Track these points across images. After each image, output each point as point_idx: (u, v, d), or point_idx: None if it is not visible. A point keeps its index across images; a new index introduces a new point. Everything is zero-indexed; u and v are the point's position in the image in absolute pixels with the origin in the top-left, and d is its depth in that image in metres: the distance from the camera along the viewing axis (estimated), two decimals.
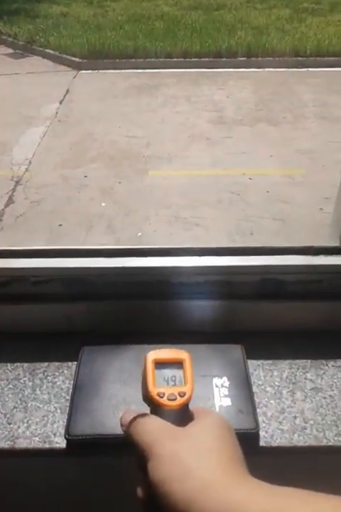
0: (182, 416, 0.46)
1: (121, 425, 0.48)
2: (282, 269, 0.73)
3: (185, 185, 3.90)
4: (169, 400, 0.47)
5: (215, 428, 0.44)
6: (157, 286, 0.74)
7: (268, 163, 4.21)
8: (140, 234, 3.35)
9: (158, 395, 0.47)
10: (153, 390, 0.48)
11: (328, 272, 0.73)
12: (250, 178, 3.96)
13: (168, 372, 0.50)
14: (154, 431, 0.43)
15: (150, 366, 0.50)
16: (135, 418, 0.46)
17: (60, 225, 3.44)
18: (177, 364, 0.51)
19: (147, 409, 0.50)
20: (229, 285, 0.74)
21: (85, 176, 4.04)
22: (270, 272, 0.73)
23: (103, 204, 3.68)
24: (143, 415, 0.46)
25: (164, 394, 0.47)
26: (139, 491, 0.43)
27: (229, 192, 3.78)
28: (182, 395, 0.47)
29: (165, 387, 0.48)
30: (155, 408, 0.47)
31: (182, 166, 4.22)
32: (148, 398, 0.49)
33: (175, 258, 0.73)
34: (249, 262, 0.73)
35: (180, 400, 0.47)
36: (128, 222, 3.46)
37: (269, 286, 0.74)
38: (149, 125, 4.97)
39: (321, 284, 0.74)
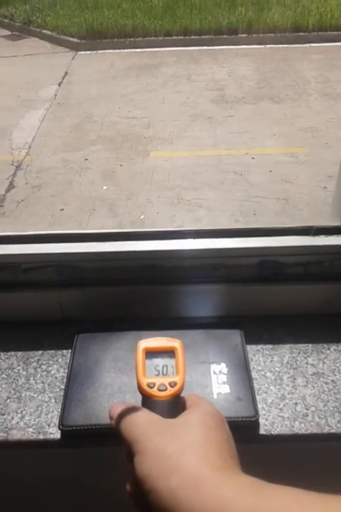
0: (173, 407, 0.44)
1: (110, 418, 0.46)
2: (281, 251, 0.70)
3: (187, 166, 3.85)
4: (159, 390, 0.45)
5: (206, 420, 0.42)
6: (152, 271, 0.71)
7: (270, 142, 4.14)
8: (142, 216, 3.32)
9: (148, 385, 0.45)
10: (143, 381, 0.46)
11: (329, 253, 0.70)
12: (253, 158, 3.90)
13: (159, 362, 0.48)
14: (141, 424, 0.41)
15: (140, 356, 0.48)
16: (123, 411, 0.44)
17: (62, 209, 3.42)
18: (169, 353, 0.48)
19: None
20: (226, 268, 0.72)
21: (86, 159, 4.00)
22: (269, 254, 0.71)
23: (104, 187, 3.64)
24: (131, 408, 0.44)
25: (154, 384, 0.45)
26: (128, 486, 0.42)
27: (232, 172, 3.73)
28: (172, 385, 0.45)
29: (156, 377, 0.46)
30: (146, 399, 0.46)
31: (183, 146, 4.16)
32: (138, 389, 0.47)
33: (170, 241, 0.70)
34: (246, 243, 0.70)
35: (170, 391, 0.45)
36: (131, 205, 3.43)
37: (268, 268, 0.72)
38: (149, 106, 4.90)
39: (322, 265, 0.72)
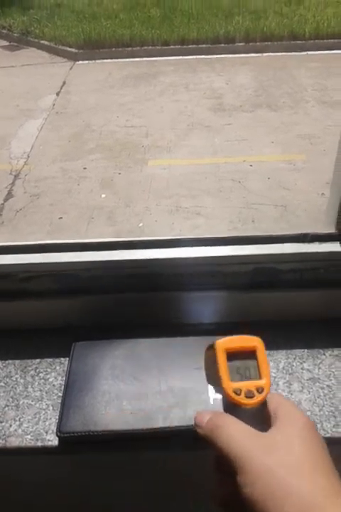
0: (261, 414, 0.42)
1: (196, 426, 0.43)
2: (276, 258, 0.71)
3: (185, 174, 3.87)
4: (247, 397, 0.42)
5: (303, 434, 0.40)
6: (148, 279, 0.72)
7: (268, 150, 4.16)
8: (141, 224, 3.33)
9: (235, 392, 0.42)
10: (229, 386, 0.42)
11: (324, 260, 0.71)
12: (251, 165, 3.92)
13: (239, 364, 0.44)
14: (239, 438, 0.39)
15: (222, 357, 0.43)
16: (215, 420, 0.42)
17: (60, 218, 3.43)
18: (248, 353, 0.44)
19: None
20: (222, 275, 0.72)
21: (84, 168, 4.02)
22: (264, 261, 0.71)
23: (103, 195, 3.66)
24: (222, 416, 0.42)
25: (241, 390, 0.42)
26: (219, 494, 0.41)
27: (230, 180, 3.75)
28: (260, 390, 0.42)
29: (241, 383, 0.42)
30: (232, 406, 0.42)
31: (182, 155, 4.18)
32: (223, 395, 0.43)
33: (166, 250, 0.71)
34: (243, 251, 0.71)
35: (258, 397, 0.42)
36: (129, 213, 3.44)
37: (263, 275, 0.73)
38: (148, 114, 4.92)
39: (317, 271, 0.72)
